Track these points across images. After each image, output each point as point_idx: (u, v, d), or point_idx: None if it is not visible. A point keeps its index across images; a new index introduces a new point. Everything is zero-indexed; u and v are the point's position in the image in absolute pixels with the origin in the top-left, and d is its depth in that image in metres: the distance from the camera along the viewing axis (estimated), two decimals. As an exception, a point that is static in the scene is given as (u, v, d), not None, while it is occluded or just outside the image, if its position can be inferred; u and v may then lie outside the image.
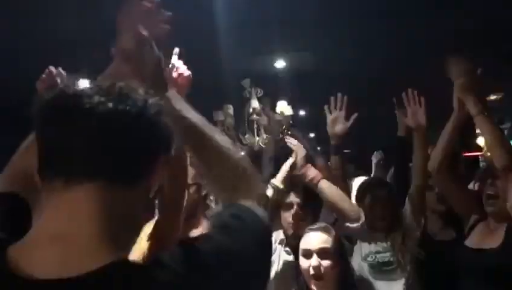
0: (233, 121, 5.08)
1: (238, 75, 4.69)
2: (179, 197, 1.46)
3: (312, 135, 6.12)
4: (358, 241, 2.37)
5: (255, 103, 5.14)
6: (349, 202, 2.03)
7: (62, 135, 0.66)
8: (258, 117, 5.19)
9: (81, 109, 0.66)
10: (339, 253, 1.78)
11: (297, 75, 5.03)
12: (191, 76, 1.46)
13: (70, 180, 0.64)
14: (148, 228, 1.45)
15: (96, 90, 0.69)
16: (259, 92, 5.11)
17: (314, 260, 1.74)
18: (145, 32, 0.86)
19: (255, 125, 5.29)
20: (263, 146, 5.06)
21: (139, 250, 1.41)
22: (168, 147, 0.75)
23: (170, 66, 1.44)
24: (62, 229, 0.62)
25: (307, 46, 4.55)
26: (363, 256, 2.32)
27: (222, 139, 0.85)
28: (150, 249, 1.47)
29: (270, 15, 3.74)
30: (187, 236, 0.72)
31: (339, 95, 2.41)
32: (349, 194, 2.30)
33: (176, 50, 1.47)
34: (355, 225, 1.96)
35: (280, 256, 2.14)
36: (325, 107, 2.38)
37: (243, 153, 0.89)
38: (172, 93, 0.88)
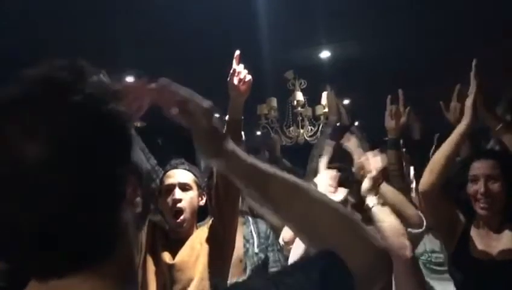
0: (278, 114, 5.09)
1: (282, 67, 4.65)
2: (234, 199, 1.47)
3: (356, 124, 6.01)
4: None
5: (299, 95, 5.10)
6: (411, 207, 1.96)
7: None
8: (302, 109, 5.16)
9: None
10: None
11: (342, 65, 4.95)
12: (251, 81, 1.38)
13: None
14: (202, 232, 1.48)
15: None
16: (303, 83, 5.06)
17: None
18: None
19: (299, 118, 5.28)
20: (308, 139, 5.04)
21: (193, 254, 1.44)
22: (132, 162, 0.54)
23: (231, 71, 1.36)
24: None
25: (352, 36, 4.46)
26: (418, 253, 2.28)
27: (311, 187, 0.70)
28: (207, 254, 1.48)
29: (315, 5, 3.68)
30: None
31: (400, 90, 2.34)
32: (408, 192, 2.22)
33: (237, 53, 1.37)
34: (417, 230, 1.89)
35: None
36: (388, 98, 2.27)
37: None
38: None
